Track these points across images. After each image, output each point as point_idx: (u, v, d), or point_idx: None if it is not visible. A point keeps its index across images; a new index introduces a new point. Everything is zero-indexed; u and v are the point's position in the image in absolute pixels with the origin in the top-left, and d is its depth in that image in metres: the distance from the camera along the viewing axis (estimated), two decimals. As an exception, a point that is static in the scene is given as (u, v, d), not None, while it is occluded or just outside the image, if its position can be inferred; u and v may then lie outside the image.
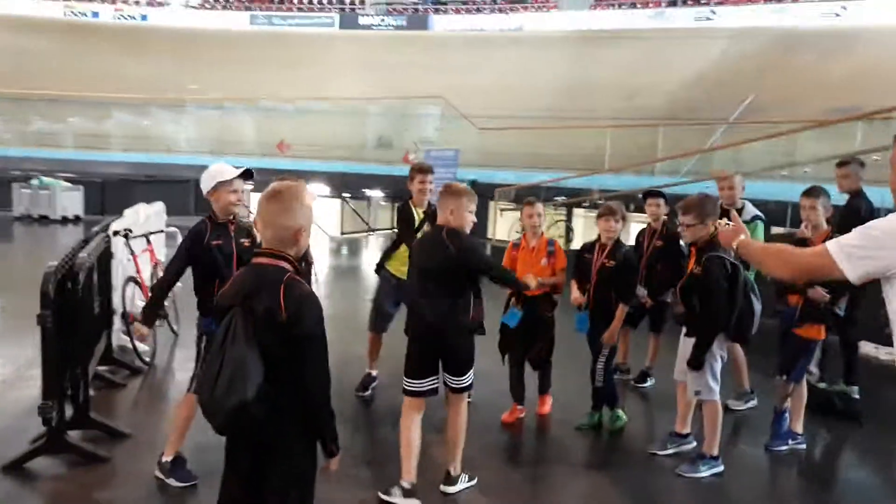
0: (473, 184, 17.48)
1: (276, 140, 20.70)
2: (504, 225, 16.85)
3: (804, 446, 5.02)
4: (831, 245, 2.27)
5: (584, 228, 16.25)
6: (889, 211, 2.65)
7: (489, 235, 17.24)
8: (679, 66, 22.38)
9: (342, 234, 17.54)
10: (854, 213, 5.63)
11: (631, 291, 5.18)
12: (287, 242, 2.60)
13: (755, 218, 5.68)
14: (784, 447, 5.01)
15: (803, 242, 4.90)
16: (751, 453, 5.01)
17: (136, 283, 6.41)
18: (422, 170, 5.52)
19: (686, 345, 4.61)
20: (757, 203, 5.98)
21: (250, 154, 20.28)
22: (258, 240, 4.66)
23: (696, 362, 4.45)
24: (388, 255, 5.63)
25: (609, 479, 4.65)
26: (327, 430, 2.64)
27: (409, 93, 19.42)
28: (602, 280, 5.07)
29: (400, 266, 5.40)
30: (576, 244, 15.55)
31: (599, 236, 5.19)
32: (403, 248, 5.38)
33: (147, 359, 6.12)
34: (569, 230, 15.62)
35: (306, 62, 23.31)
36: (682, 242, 6.22)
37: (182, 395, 4.36)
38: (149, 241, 6.86)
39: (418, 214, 5.47)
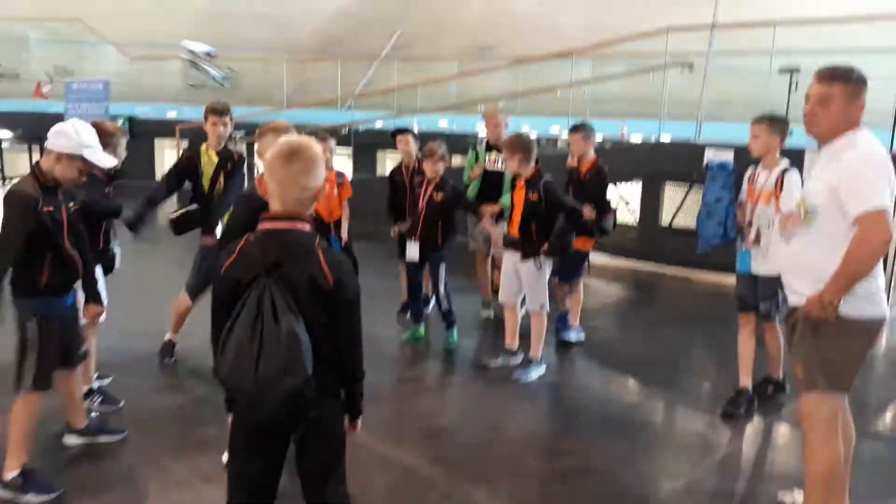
0: (132, 121, 15.84)
1: None
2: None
3: (583, 336, 5.96)
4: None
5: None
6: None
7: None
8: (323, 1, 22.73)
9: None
10: None
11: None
12: (307, 204, 2.35)
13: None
14: (573, 338, 5.90)
15: (576, 171, 5.68)
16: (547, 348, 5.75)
17: None
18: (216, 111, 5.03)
19: (520, 269, 5.08)
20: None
21: None
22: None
23: (556, 249, 5.02)
24: (189, 213, 4.98)
25: (450, 389, 5.19)
26: (360, 393, 2.50)
27: (33, 12, 16.40)
28: (430, 213, 5.44)
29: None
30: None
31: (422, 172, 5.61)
32: None
33: None
34: (253, 168, 15.12)
35: None
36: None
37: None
38: None
39: (210, 158, 5.04)
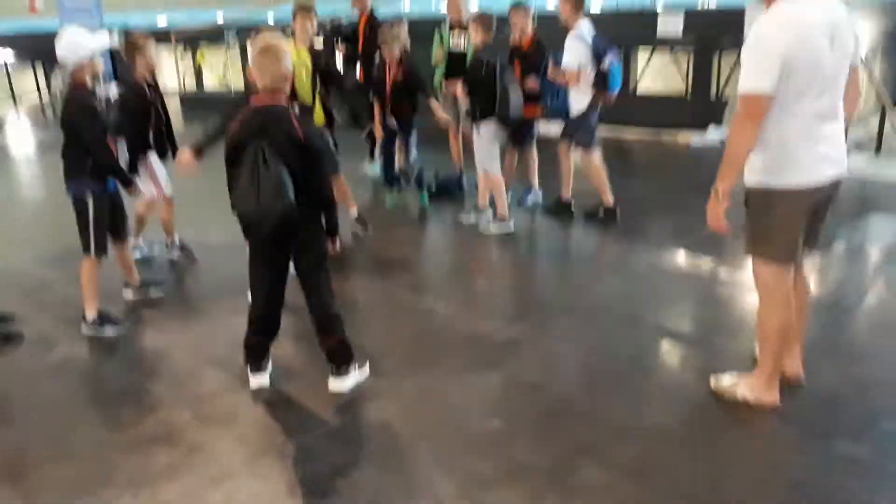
0: (127, 32, 16.27)
1: None
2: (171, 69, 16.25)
3: (540, 198, 6.92)
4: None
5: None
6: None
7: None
8: None
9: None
10: None
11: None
12: (281, 84, 3.31)
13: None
14: (529, 201, 6.88)
15: (519, 46, 6.40)
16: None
17: None
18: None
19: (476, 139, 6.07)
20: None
21: None
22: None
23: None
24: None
25: (426, 239, 6.39)
26: (335, 219, 3.53)
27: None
28: (395, 91, 6.40)
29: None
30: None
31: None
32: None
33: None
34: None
35: None
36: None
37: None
38: None
39: (301, 55, 5.38)
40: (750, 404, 3.36)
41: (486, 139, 6.00)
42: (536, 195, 6.88)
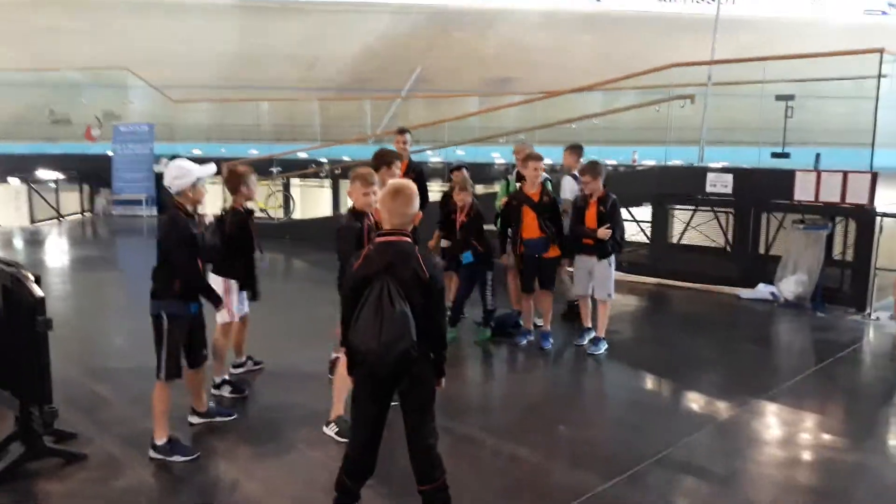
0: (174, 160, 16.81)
1: None
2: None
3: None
4: None
5: (302, 198, 17.02)
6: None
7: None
8: (350, 39, 23.84)
9: (33, 223, 15.64)
10: None
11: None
12: (408, 224, 3.34)
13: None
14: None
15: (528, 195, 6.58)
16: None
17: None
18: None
19: (594, 267, 6.38)
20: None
21: None
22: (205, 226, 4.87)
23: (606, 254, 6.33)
24: None
25: (497, 375, 6.33)
26: (444, 358, 3.44)
27: (85, 62, 17.71)
28: (464, 230, 6.62)
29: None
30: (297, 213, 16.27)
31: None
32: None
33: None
34: (288, 200, 16.20)
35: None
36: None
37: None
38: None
39: None
40: None
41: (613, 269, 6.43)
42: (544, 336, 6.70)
